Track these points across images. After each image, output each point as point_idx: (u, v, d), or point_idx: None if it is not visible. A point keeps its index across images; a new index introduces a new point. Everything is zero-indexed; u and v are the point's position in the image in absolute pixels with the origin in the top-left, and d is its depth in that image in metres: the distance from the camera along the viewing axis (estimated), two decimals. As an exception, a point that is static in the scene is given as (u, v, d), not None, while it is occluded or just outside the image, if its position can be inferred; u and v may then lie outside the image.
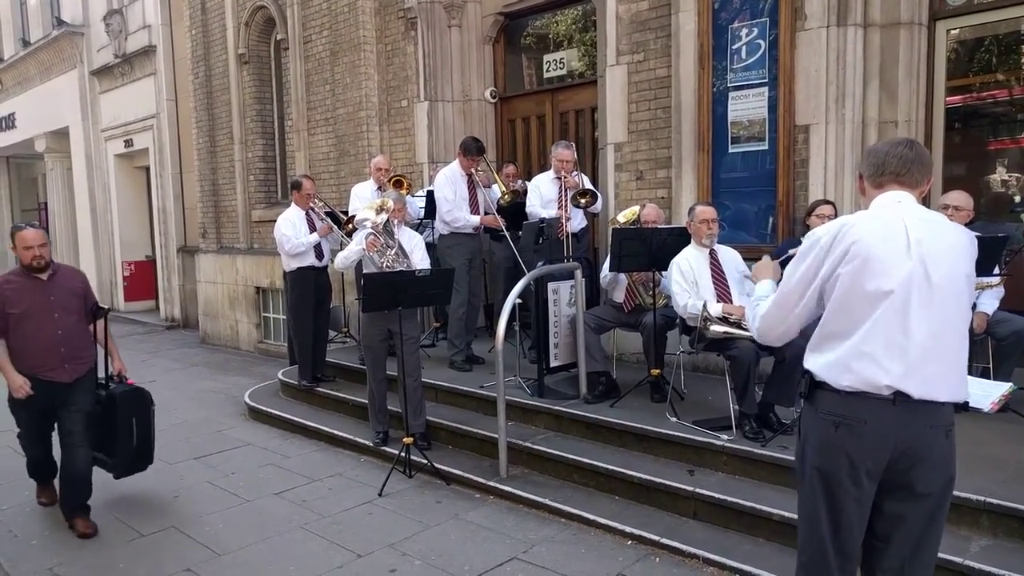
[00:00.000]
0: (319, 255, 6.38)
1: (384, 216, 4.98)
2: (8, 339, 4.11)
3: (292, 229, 6.26)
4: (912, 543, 2.17)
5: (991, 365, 4.47)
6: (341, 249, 5.60)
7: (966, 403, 2.24)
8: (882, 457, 2.11)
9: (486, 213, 6.10)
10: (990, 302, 4.51)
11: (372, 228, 4.99)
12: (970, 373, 3.90)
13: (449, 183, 6.01)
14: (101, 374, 4.49)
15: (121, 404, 4.37)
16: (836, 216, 4.58)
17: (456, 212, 5.97)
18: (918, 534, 2.16)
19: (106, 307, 4.41)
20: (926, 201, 5.17)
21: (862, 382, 2.11)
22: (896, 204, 2.19)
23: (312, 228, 6.36)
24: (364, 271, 5.10)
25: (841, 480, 2.15)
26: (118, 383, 4.47)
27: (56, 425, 4.29)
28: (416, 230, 6.31)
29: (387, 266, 4.99)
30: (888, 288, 2.09)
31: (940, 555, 3.07)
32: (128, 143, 13.33)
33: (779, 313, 2.31)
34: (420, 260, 5.17)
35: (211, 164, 10.72)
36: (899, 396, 2.08)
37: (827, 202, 4.75)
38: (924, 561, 2.19)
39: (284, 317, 8.56)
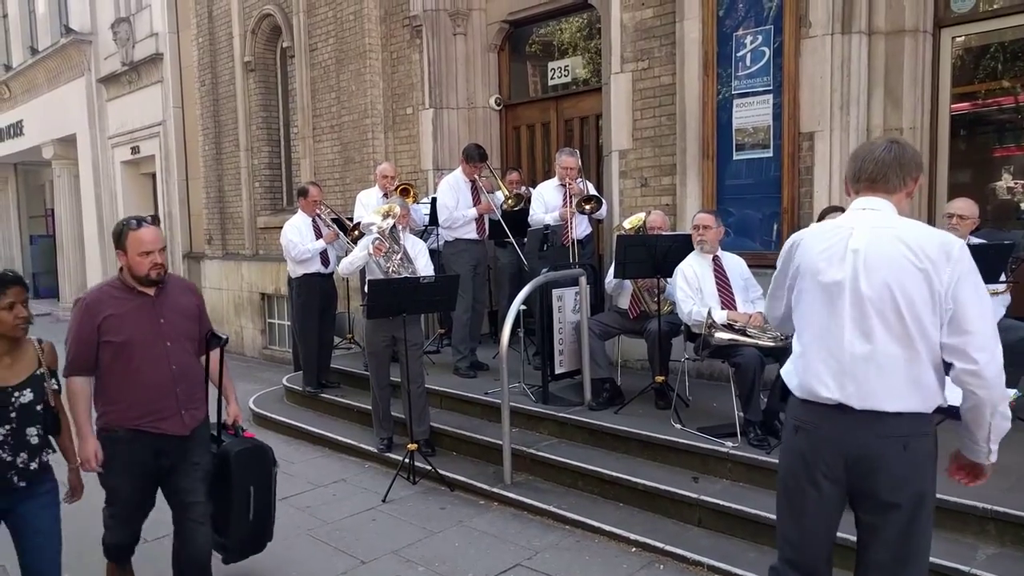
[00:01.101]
0: (325, 262, 6.40)
1: (390, 221, 5.00)
2: (103, 379, 3.00)
3: (298, 235, 6.29)
4: (891, 555, 2.11)
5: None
6: (347, 255, 5.62)
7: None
8: (835, 462, 2.10)
9: (489, 220, 6.12)
10: (996, 310, 4.50)
11: (378, 233, 5.01)
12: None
13: (452, 190, 6.04)
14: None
15: (237, 466, 3.20)
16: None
17: (455, 214, 5.99)
18: (895, 547, 2.10)
19: (223, 335, 3.24)
20: (931, 210, 5.18)
21: (807, 391, 2.15)
22: (859, 212, 2.17)
23: (318, 235, 6.38)
24: (368, 277, 5.11)
25: (800, 482, 2.17)
26: (232, 435, 3.32)
27: (165, 494, 3.18)
28: (421, 237, 6.33)
29: (392, 271, 5.00)
30: (821, 298, 2.13)
31: (947, 563, 3.08)
32: (135, 150, 13.40)
33: (770, 305, 2.45)
34: (424, 266, 5.18)
35: (217, 171, 10.76)
36: (844, 405, 2.07)
37: (838, 208, 4.71)
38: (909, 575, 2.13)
39: (289, 323, 8.57)
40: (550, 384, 5.17)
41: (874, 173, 2.16)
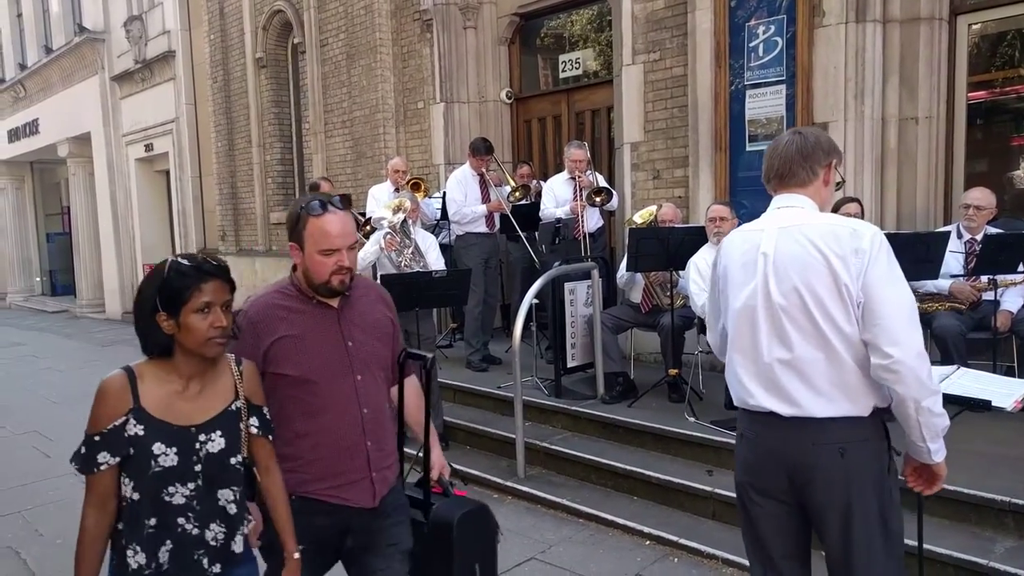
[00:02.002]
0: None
1: (401, 216, 5.04)
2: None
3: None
4: (837, 568, 2.01)
5: (1015, 363, 4.41)
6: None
7: (988, 402, 2.20)
8: (777, 472, 2.02)
9: (500, 215, 6.13)
10: (1014, 300, 4.45)
11: (389, 227, 5.04)
12: (994, 372, 3.86)
13: (460, 185, 6.05)
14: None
15: (460, 538, 2.23)
16: (862, 214, 4.53)
17: (464, 210, 6.00)
18: (839, 557, 1.99)
19: (427, 355, 2.33)
20: (948, 200, 5.12)
21: (739, 401, 2.11)
22: (775, 211, 2.10)
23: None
24: (381, 272, 5.13)
25: (748, 492, 2.11)
26: (440, 494, 2.37)
27: None
28: (433, 231, 6.34)
29: (404, 265, 5.02)
30: (738, 307, 2.08)
31: (965, 556, 3.06)
32: (148, 147, 13.50)
33: (712, 336, 2.36)
34: (435, 260, 5.20)
35: (230, 167, 10.82)
36: (774, 413, 2.00)
37: (853, 200, 4.66)
38: None
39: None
40: (563, 378, 5.17)
41: (781, 169, 2.09)
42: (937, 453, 1.97)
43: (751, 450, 2.09)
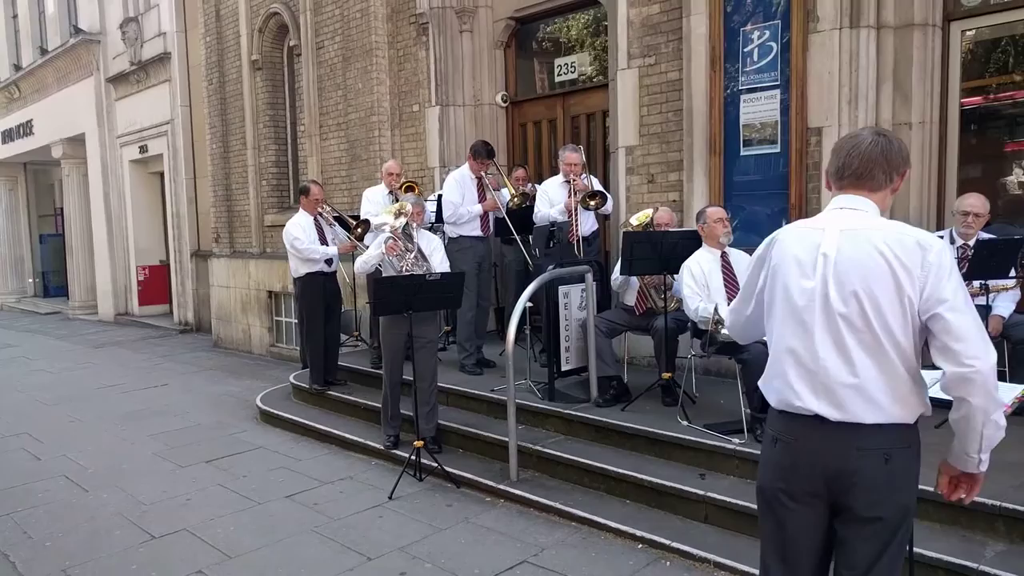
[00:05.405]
0: (328, 260, 6.41)
1: (403, 220, 4.96)
2: None
3: (303, 233, 6.30)
4: (866, 571, 1.98)
5: (1007, 368, 4.42)
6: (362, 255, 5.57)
7: None
8: (814, 476, 1.99)
9: (495, 218, 6.12)
10: (1006, 305, 4.47)
11: (391, 232, 4.99)
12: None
13: (458, 186, 6.03)
14: None
15: None
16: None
17: (460, 210, 5.97)
18: (866, 564, 1.97)
19: None
20: (940, 205, 5.13)
21: (781, 402, 2.05)
22: (837, 211, 2.04)
23: (320, 233, 6.39)
24: (384, 275, 5.10)
25: (779, 496, 2.07)
26: None
27: None
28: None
29: (406, 270, 4.94)
30: (792, 307, 2.02)
31: (956, 560, 3.07)
32: (143, 149, 13.47)
33: (734, 317, 2.33)
34: (439, 263, 5.14)
35: (224, 169, 10.80)
36: (820, 416, 1.96)
37: None
38: None
39: (296, 321, 8.59)
40: (556, 381, 5.16)
41: (860, 169, 1.99)
42: (985, 463, 1.96)
43: (788, 454, 2.04)
